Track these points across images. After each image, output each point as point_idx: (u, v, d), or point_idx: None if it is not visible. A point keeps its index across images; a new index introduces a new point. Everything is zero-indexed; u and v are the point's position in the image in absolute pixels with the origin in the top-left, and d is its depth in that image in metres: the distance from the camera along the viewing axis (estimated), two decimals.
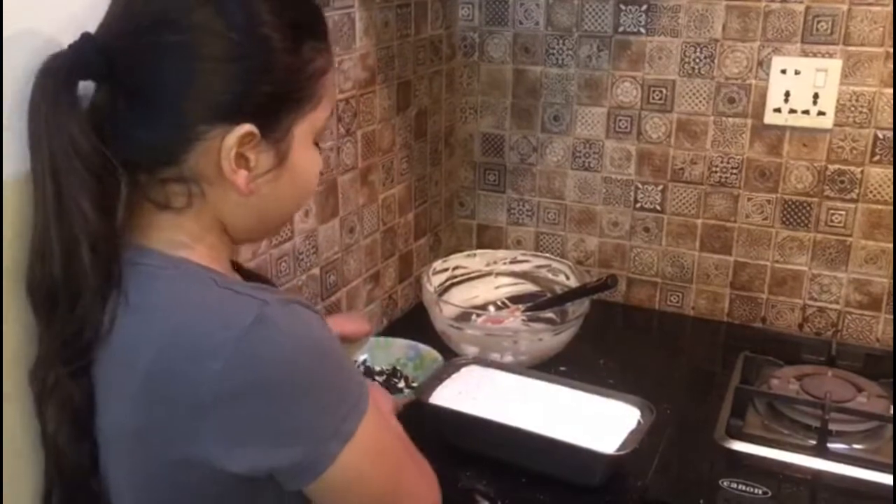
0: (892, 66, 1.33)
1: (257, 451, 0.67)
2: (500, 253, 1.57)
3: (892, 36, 1.32)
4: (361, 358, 1.21)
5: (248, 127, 0.70)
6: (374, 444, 0.73)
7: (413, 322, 1.51)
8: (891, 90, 1.34)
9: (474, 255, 1.55)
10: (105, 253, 0.69)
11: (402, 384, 1.19)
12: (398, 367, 1.21)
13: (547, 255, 1.57)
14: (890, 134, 1.36)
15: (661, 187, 1.54)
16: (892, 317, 1.44)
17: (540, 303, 1.44)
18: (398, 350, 1.23)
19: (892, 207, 1.39)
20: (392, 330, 1.52)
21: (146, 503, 0.73)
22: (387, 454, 0.75)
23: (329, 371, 0.70)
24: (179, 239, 0.73)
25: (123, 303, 0.69)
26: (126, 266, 0.70)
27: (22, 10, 0.72)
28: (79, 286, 0.69)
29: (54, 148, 0.67)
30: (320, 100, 0.75)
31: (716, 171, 1.49)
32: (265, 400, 0.66)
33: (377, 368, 1.21)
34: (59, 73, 0.68)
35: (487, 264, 1.54)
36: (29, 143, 0.69)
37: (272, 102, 0.71)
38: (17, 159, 0.73)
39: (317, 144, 0.79)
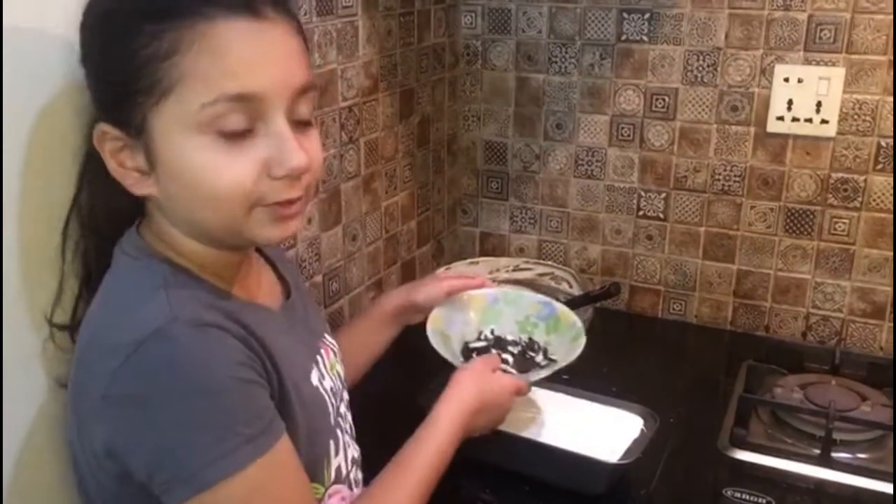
0: (893, 74, 1.33)
1: (127, 456, 0.67)
2: (503, 261, 1.57)
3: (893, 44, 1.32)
4: (489, 328, 1.06)
5: (100, 127, 0.70)
6: None
7: (418, 329, 1.51)
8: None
9: (477, 262, 1.55)
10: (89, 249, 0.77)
11: (539, 357, 1.04)
12: (528, 327, 1.06)
13: (550, 262, 1.56)
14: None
15: (663, 195, 1.54)
16: (893, 325, 1.43)
17: None
18: (529, 306, 1.07)
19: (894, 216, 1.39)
20: (396, 337, 1.51)
21: (87, 494, 0.75)
22: None
23: (208, 409, 0.65)
24: (157, 232, 0.75)
25: (102, 284, 0.74)
26: (118, 252, 0.75)
27: (22, 11, 0.73)
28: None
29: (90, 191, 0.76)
30: (172, 86, 0.66)
31: (719, 179, 1.49)
32: (142, 411, 0.65)
33: (509, 337, 1.05)
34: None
35: (490, 272, 1.54)
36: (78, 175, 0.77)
37: (109, 98, 0.70)
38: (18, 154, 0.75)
39: (232, 137, 0.67)
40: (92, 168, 0.75)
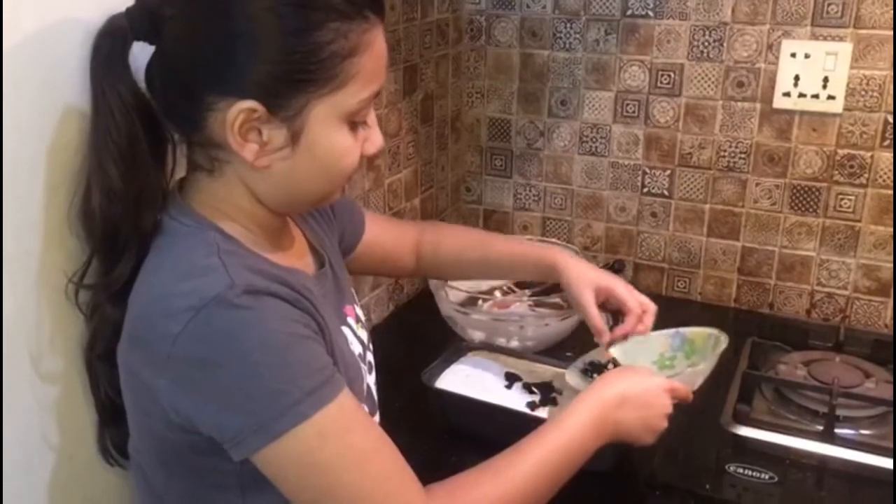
0: (894, 50, 1.32)
1: (195, 414, 0.70)
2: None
3: None
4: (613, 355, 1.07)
5: (248, 104, 0.71)
6: (306, 453, 0.70)
7: (419, 307, 1.51)
8: None
9: None
10: (130, 206, 0.75)
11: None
12: (667, 363, 1.07)
13: (553, 240, 1.56)
14: None
15: (668, 172, 1.53)
16: None
17: (546, 288, 1.44)
18: (659, 343, 1.08)
19: None
20: (398, 315, 1.52)
21: (135, 438, 0.80)
22: (318, 471, 0.71)
23: (270, 365, 0.69)
24: (211, 201, 0.78)
25: (154, 249, 0.76)
26: (166, 219, 0.77)
27: (22, 13, 0.73)
28: (117, 227, 0.76)
29: (106, 101, 0.74)
30: (346, 82, 0.73)
31: (724, 156, 1.48)
32: (206, 373, 0.69)
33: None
34: (114, 33, 0.74)
35: None
36: (91, 94, 0.75)
37: (276, 82, 0.72)
38: (20, 150, 0.75)
39: (355, 125, 0.77)
40: (107, 137, 0.76)
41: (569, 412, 0.87)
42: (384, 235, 1.11)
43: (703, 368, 1.00)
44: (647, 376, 0.95)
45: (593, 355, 1.12)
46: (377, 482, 0.72)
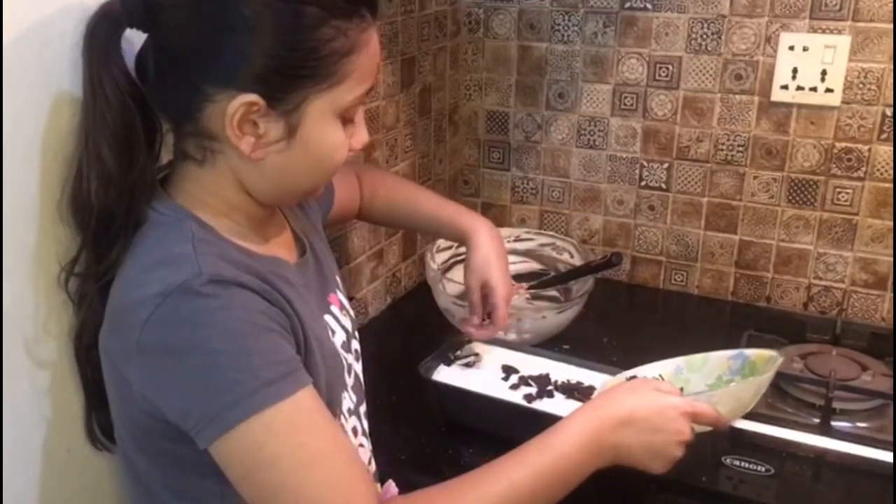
0: (893, 43, 1.32)
1: (160, 401, 0.71)
2: (504, 231, 1.56)
3: None
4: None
5: (250, 97, 0.72)
6: (253, 448, 0.68)
7: (417, 300, 1.51)
8: None
9: None
10: (125, 193, 0.75)
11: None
12: (723, 387, 0.99)
13: (551, 233, 1.56)
14: None
15: (666, 165, 1.53)
16: (894, 295, 1.43)
17: (544, 281, 1.44)
18: (718, 366, 1.01)
19: None
20: (396, 307, 1.52)
21: (118, 425, 0.81)
22: (263, 469, 0.68)
23: (229, 353, 0.68)
24: (196, 191, 0.78)
25: (136, 240, 0.76)
26: (149, 210, 0.76)
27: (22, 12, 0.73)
28: (111, 215, 0.75)
29: (101, 85, 0.74)
30: (343, 79, 0.74)
31: (722, 149, 1.48)
32: (170, 361, 0.69)
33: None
34: (108, 18, 0.74)
35: None
36: (86, 80, 0.75)
37: (278, 76, 0.72)
38: (22, 148, 0.74)
39: (346, 121, 0.78)
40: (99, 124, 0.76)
41: (558, 429, 0.81)
42: (341, 192, 1.11)
43: (733, 388, 0.92)
44: (662, 395, 0.85)
45: (645, 370, 1.05)
46: (321, 490, 0.69)
